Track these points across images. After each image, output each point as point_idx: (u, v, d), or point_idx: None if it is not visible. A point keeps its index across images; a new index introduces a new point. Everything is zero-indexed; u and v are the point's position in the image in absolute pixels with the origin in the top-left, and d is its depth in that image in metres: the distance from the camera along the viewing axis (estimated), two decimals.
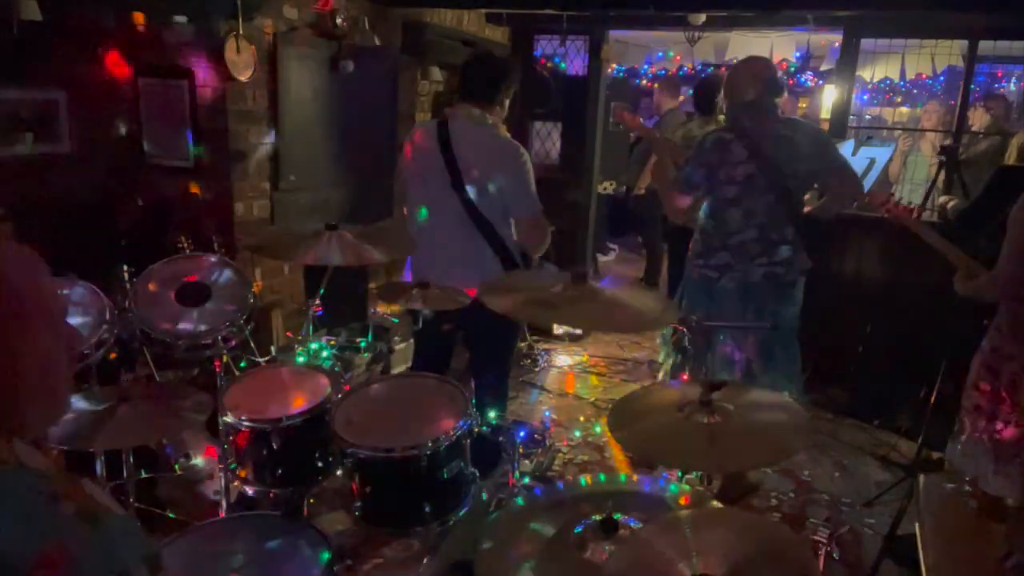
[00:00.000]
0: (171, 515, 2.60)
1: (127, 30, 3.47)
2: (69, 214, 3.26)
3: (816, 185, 3.31)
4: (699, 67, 7.87)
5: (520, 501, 1.75)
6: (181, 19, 3.32)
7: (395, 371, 3.69)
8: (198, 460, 2.81)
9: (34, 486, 0.86)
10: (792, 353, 3.28)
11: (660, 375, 3.89)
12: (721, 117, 4.59)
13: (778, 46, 7.52)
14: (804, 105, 7.29)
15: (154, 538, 1.69)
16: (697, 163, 3.19)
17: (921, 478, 1.78)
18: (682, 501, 1.67)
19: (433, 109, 4.99)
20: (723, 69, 7.01)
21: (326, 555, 1.74)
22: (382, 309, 3.88)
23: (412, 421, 1.98)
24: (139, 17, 3.44)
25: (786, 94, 3.58)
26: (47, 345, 0.93)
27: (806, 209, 3.24)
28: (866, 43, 4.52)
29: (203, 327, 2.51)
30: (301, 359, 2.47)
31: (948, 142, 4.53)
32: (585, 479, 1.82)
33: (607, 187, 6.29)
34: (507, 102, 2.82)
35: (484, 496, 2.03)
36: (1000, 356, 2.46)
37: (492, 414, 2.16)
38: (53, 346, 0.94)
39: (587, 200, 5.70)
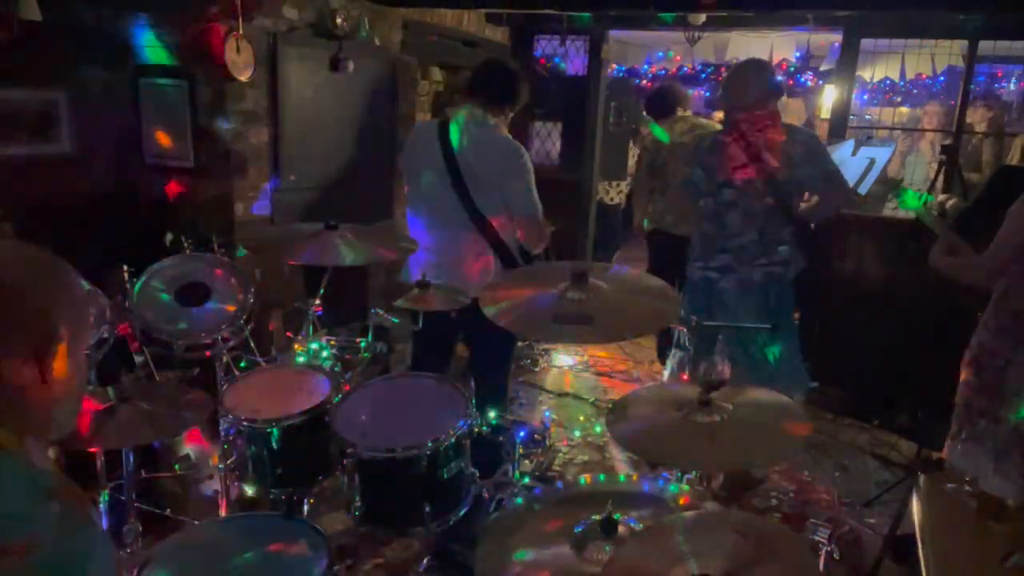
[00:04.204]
0: (171, 515, 2.60)
1: (127, 30, 3.47)
2: (69, 214, 3.25)
3: (807, 190, 3.35)
4: (699, 67, 7.86)
5: (520, 501, 1.75)
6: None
7: (395, 371, 3.69)
8: (198, 460, 2.81)
9: (32, 480, 0.89)
10: (794, 348, 3.33)
11: (666, 374, 3.91)
12: (688, 113, 4.61)
13: (778, 46, 7.51)
14: (800, 106, 7.27)
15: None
16: (697, 165, 3.23)
17: (921, 478, 1.78)
18: (681, 501, 1.67)
19: (433, 109, 4.99)
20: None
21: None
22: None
23: (412, 421, 1.98)
24: (139, 17, 3.44)
25: (784, 96, 3.62)
26: (83, 347, 1.01)
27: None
28: (866, 43, 4.52)
29: (203, 327, 2.52)
30: (301, 359, 2.47)
31: (948, 142, 4.53)
32: (585, 479, 1.82)
33: (614, 197, 6.24)
34: (511, 114, 2.83)
35: (484, 496, 2.03)
36: (987, 352, 2.49)
37: (492, 414, 2.16)
38: (85, 348, 1.02)
39: (587, 200, 5.70)
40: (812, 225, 3.28)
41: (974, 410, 2.53)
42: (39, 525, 0.85)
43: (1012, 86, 7.42)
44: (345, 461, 1.92)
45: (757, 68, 3.22)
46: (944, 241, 2.66)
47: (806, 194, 3.30)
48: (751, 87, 3.09)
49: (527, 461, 3.14)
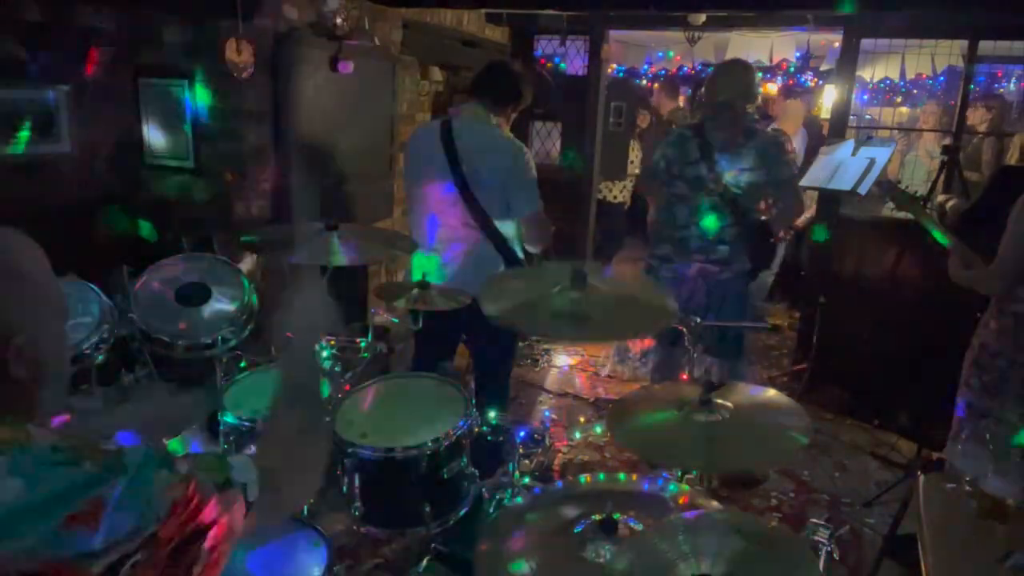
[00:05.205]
0: None
1: (127, 30, 3.47)
2: (69, 214, 3.25)
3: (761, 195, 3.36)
4: (699, 67, 7.86)
5: (519, 500, 1.75)
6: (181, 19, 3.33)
7: (395, 371, 3.69)
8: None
9: (51, 457, 0.89)
10: (737, 350, 3.41)
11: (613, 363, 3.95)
12: None
13: (778, 46, 7.52)
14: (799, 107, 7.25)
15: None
16: (659, 154, 3.33)
17: (921, 478, 1.78)
18: (681, 501, 1.67)
19: (433, 109, 4.98)
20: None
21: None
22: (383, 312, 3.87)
23: (412, 421, 1.98)
24: (139, 17, 3.44)
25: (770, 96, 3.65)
26: (59, 328, 1.01)
27: (762, 217, 3.31)
28: (866, 43, 4.52)
29: (203, 327, 2.51)
30: None
31: (947, 142, 4.53)
32: (585, 479, 1.82)
33: (616, 195, 6.23)
34: (513, 115, 2.84)
35: (484, 496, 2.03)
36: (987, 353, 2.49)
37: (492, 414, 2.16)
38: (61, 328, 1.02)
39: (587, 200, 5.70)
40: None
41: (974, 410, 2.53)
42: (92, 488, 0.86)
43: (1012, 86, 7.42)
44: (345, 461, 1.92)
45: (733, 69, 3.27)
46: (957, 255, 2.65)
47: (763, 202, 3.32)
48: (724, 86, 3.15)
49: (527, 461, 3.14)
